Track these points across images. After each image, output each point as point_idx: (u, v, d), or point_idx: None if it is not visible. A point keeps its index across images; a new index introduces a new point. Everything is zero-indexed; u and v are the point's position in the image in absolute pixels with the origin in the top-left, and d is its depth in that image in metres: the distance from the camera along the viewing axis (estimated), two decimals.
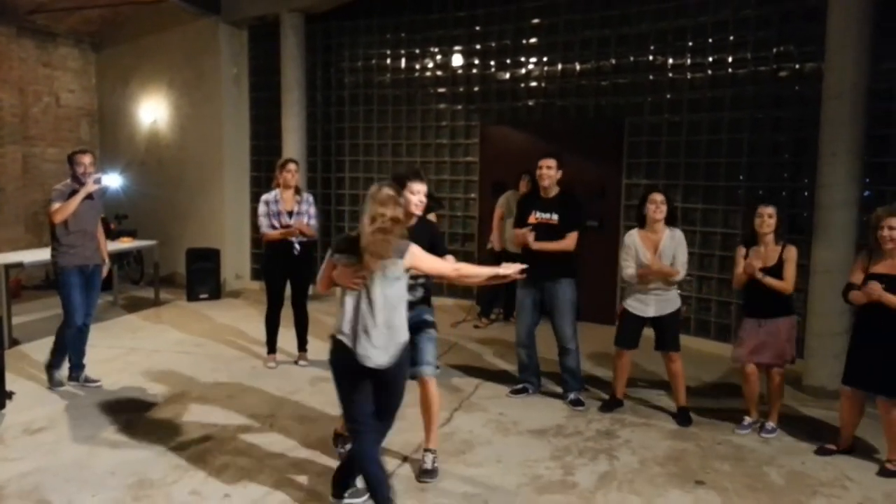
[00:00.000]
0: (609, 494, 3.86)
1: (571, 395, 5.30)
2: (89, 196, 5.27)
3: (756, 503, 3.79)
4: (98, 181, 5.32)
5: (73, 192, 5.19)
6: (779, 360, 4.69)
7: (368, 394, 3.36)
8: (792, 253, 4.62)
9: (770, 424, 4.77)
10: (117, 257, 8.92)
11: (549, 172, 5.21)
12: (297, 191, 6.03)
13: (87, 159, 5.28)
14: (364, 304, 3.28)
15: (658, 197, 4.90)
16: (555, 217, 5.16)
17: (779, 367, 4.70)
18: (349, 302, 3.32)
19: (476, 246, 8.69)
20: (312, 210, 6.06)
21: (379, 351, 3.26)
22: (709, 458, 4.35)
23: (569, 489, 3.91)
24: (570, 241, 5.15)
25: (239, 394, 5.39)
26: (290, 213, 5.93)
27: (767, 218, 4.63)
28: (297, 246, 5.93)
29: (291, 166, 5.98)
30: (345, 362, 3.32)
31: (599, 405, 5.21)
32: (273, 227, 5.87)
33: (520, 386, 5.49)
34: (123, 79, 10.37)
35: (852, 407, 4.38)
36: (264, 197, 5.98)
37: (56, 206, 5.16)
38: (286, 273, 6.06)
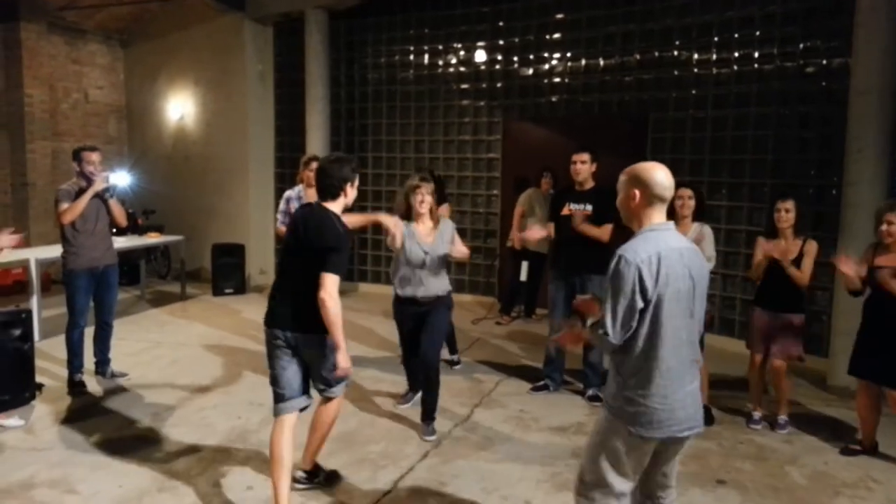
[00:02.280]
0: None
1: (590, 391, 5.29)
2: (97, 195, 5.21)
3: (777, 503, 3.77)
4: (106, 179, 5.24)
5: (80, 191, 5.13)
6: (784, 356, 4.67)
7: None
8: (812, 247, 4.61)
9: (782, 418, 4.77)
10: (145, 252, 9.07)
11: (584, 167, 5.19)
12: None
13: (95, 157, 5.21)
14: None
15: (686, 192, 4.85)
16: (588, 208, 5.14)
17: (782, 361, 4.70)
18: None
19: (498, 242, 8.69)
20: None
21: None
22: (730, 458, 4.33)
23: None
24: (604, 231, 5.08)
25: (262, 388, 5.38)
26: None
27: (785, 213, 4.63)
28: None
29: (315, 165, 5.98)
30: None
31: None
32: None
33: (541, 383, 5.49)
34: (151, 75, 10.51)
35: (867, 401, 4.38)
36: (287, 193, 6.00)
37: (63, 206, 5.08)
38: None
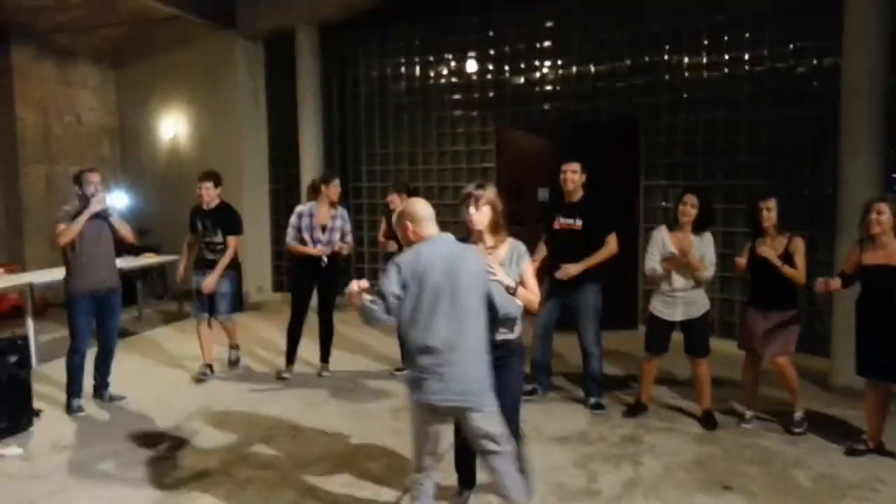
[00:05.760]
0: (634, 501, 3.82)
1: (592, 400, 5.26)
2: (97, 216, 5.17)
3: None
4: (102, 201, 5.17)
5: (79, 214, 5.10)
6: (776, 352, 4.67)
7: None
8: (800, 244, 4.61)
9: (797, 415, 4.73)
10: (141, 273, 9.01)
11: (574, 177, 5.19)
12: (333, 204, 6.06)
13: (95, 178, 5.19)
14: None
15: (690, 199, 4.84)
16: (579, 223, 5.12)
17: (781, 357, 4.67)
18: None
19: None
20: (348, 227, 6.12)
21: None
22: (735, 462, 4.30)
23: (593, 497, 3.88)
24: (613, 246, 5.13)
25: (262, 406, 5.41)
26: (324, 228, 5.95)
27: (766, 211, 4.63)
28: (324, 259, 5.95)
29: (337, 181, 6.11)
30: None
31: (623, 410, 5.16)
32: (302, 240, 5.91)
33: (529, 387, 5.37)
34: (143, 96, 10.51)
35: (875, 400, 4.37)
36: (299, 209, 6.06)
37: (61, 227, 5.07)
38: (314, 283, 6.09)
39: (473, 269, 3.09)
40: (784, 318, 4.65)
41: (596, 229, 5.12)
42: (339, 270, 6.36)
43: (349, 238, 6.12)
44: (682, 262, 4.77)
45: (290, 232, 5.99)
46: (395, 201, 5.97)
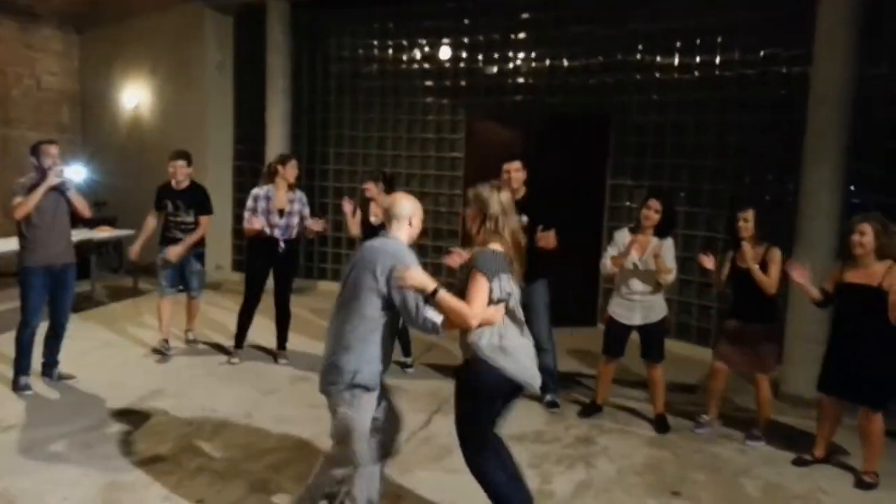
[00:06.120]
0: None
1: (548, 397, 5.28)
2: (55, 189, 5.03)
3: None
4: (60, 174, 5.03)
5: (36, 186, 4.95)
6: (758, 369, 4.73)
7: None
8: (776, 255, 4.64)
9: (756, 432, 4.79)
10: (95, 246, 8.79)
11: (518, 175, 5.17)
12: (291, 187, 5.95)
13: (53, 150, 5.04)
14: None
15: (654, 204, 4.84)
16: (525, 219, 5.09)
17: (762, 374, 4.73)
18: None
19: (461, 243, 8.63)
20: (307, 210, 6.03)
21: None
22: (686, 468, 4.36)
23: (545, 499, 3.90)
24: (550, 239, 5.06)
25: (216, 392, 5.33)
26: (282, 212, 5.85)
27: (744, 222, 4.68)
28: (282, 244, 5.86)
29: (295, 161, 6.01)
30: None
31: (579, 410, 5.20)
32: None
33: None
34: (107, 62, 10.20)
35: (830, 415, 4.41)
36: (255, 192, 5.91)
37: (17, 200, 4.93)
38: (269, 268, 6.00)
39: (376, 267, 3.06)
40: (761, 333, 4.69)
41: (544, 225, 5.06)
42: (296, 254, 6.27)
43: (309, 222, 6.03)
44: (638, 260, 4.83)
45: (246, 215, 5.88)
46: (370, 189, 5.89)
